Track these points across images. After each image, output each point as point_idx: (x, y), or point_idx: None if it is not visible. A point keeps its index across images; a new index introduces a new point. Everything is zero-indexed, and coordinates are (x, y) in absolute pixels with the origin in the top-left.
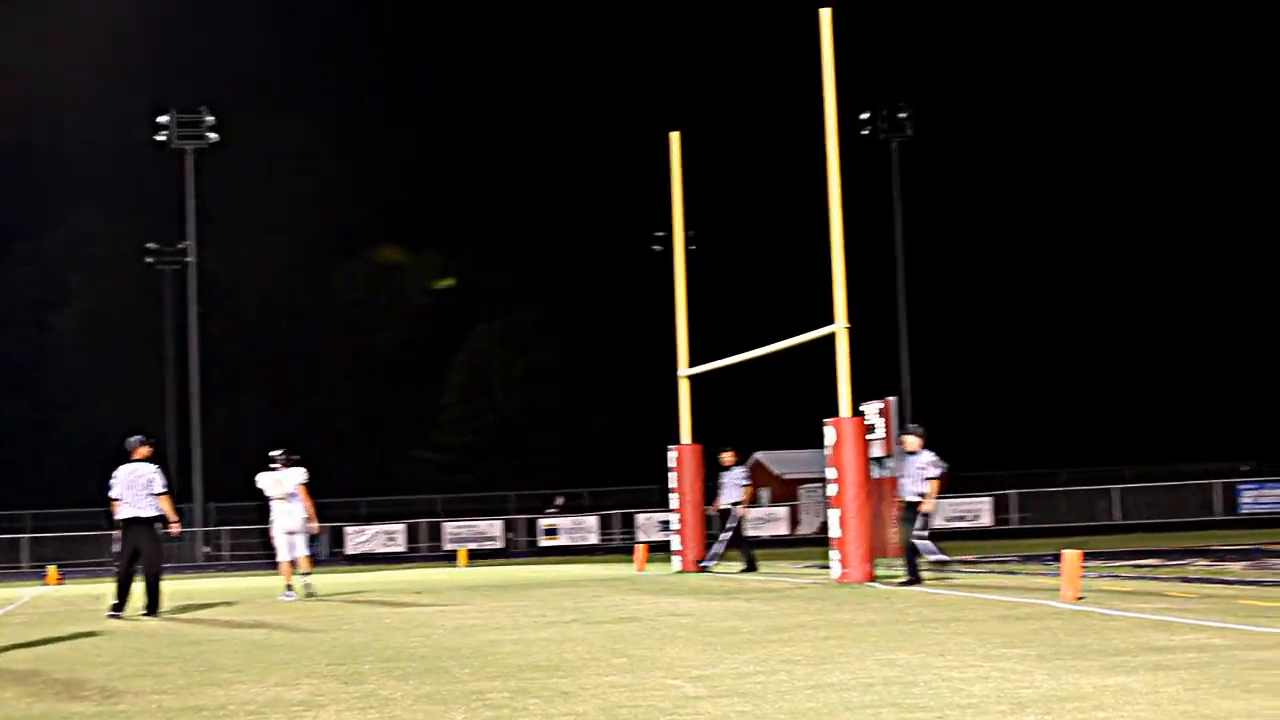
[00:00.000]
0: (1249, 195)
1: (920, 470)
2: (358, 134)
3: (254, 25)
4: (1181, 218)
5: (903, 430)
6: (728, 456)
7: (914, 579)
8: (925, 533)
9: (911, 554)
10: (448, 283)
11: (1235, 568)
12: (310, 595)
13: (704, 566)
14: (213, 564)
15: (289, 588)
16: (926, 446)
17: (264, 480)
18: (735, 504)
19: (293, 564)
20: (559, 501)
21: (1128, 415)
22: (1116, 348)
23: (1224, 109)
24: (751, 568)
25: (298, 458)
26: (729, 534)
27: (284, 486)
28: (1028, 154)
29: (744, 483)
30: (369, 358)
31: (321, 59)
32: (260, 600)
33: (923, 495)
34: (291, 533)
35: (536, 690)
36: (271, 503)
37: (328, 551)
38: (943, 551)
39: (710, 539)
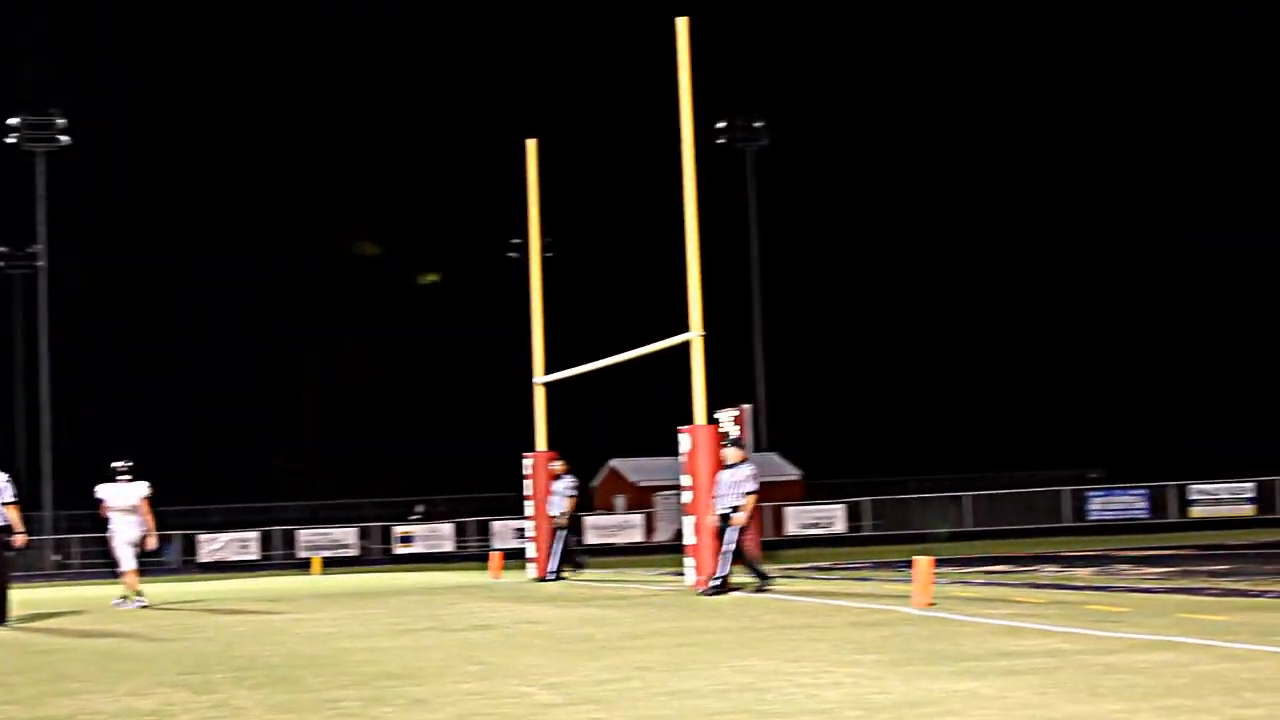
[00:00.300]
0: (1096, 206)
1: (737, 484)
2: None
3: None
4: (1032, 227)
5: (723, 443)
6: (558, 466)
7: (717, 581)
8: (733, 545)
9: (751, 561)
10: (432, 278)
11: (1083, 574)
12: (144, 606)
13: (554, 574)
14: (62, 572)
15: (130, 595)
16: (747, 460)
17: (107, 491)
18: (562, 514)
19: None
20: (420, 509)
21: (978, 424)
22: (968, 357)
23: (1073, 116)
24: (578, 566)
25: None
26: (560, 543)
27: (128, 499)
28: (880, 163)
29: (571, 494)
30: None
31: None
32: (110, 609)
33: (737, 508)
34: (133, 544)
35: (391, 698)
36: (112, 514)
37: (180, 560)
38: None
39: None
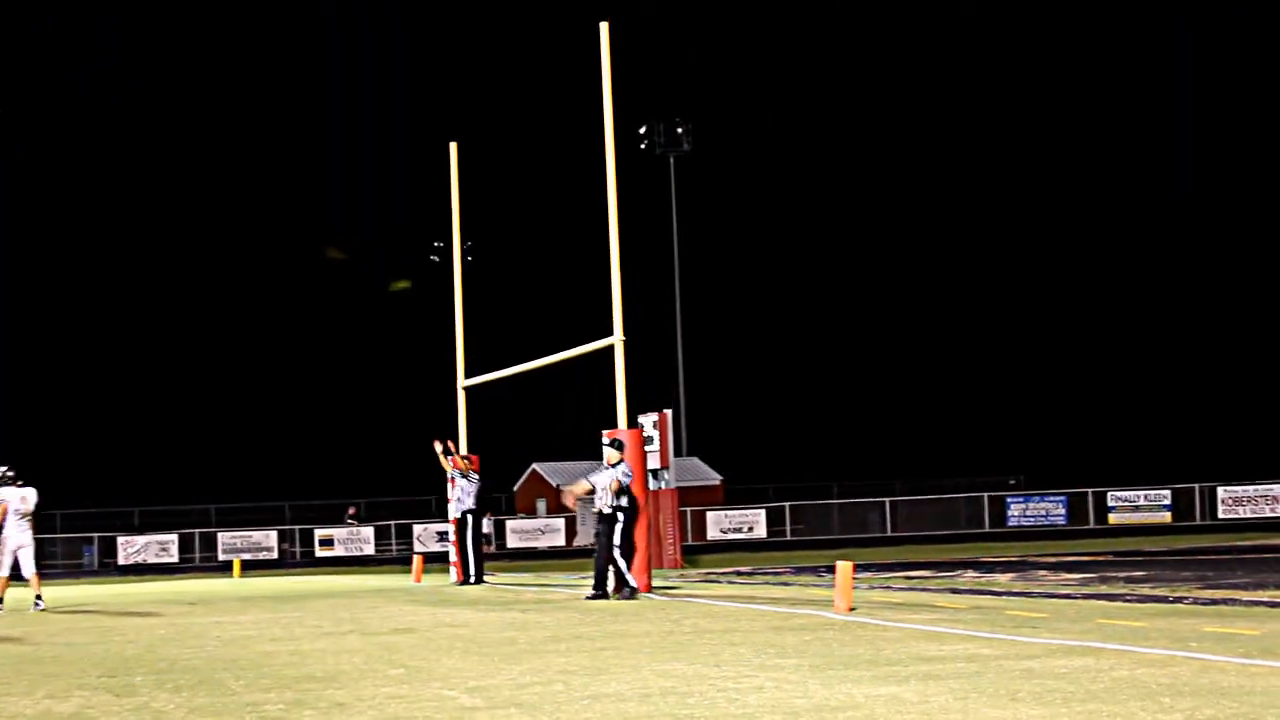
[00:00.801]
0: (1017, 210)
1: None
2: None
3: None
4: (953, 233)
5: (606, 444)
6: (462, 463)
7: (610, 589)
8: (617, 547)
9: (607, 565)
10: (403, 285)
11: (1003, 579)
12: (43, 610)
13: (477, 579)
14: None
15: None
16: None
17: (8, 494)
18: (468, 513)
19: (19, 579)
20: (352, 511)
21: (900, 430)
22: (887, 364)
23: (995, 126)
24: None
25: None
26: (471, 543)
27: (28, 504)
28: (802, 168)
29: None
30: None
31: None
32: (27, 612)
33: (620, 508)
34: (23, 548)
35: (313, 701)
36: (8, 518)
37: (98, 562)
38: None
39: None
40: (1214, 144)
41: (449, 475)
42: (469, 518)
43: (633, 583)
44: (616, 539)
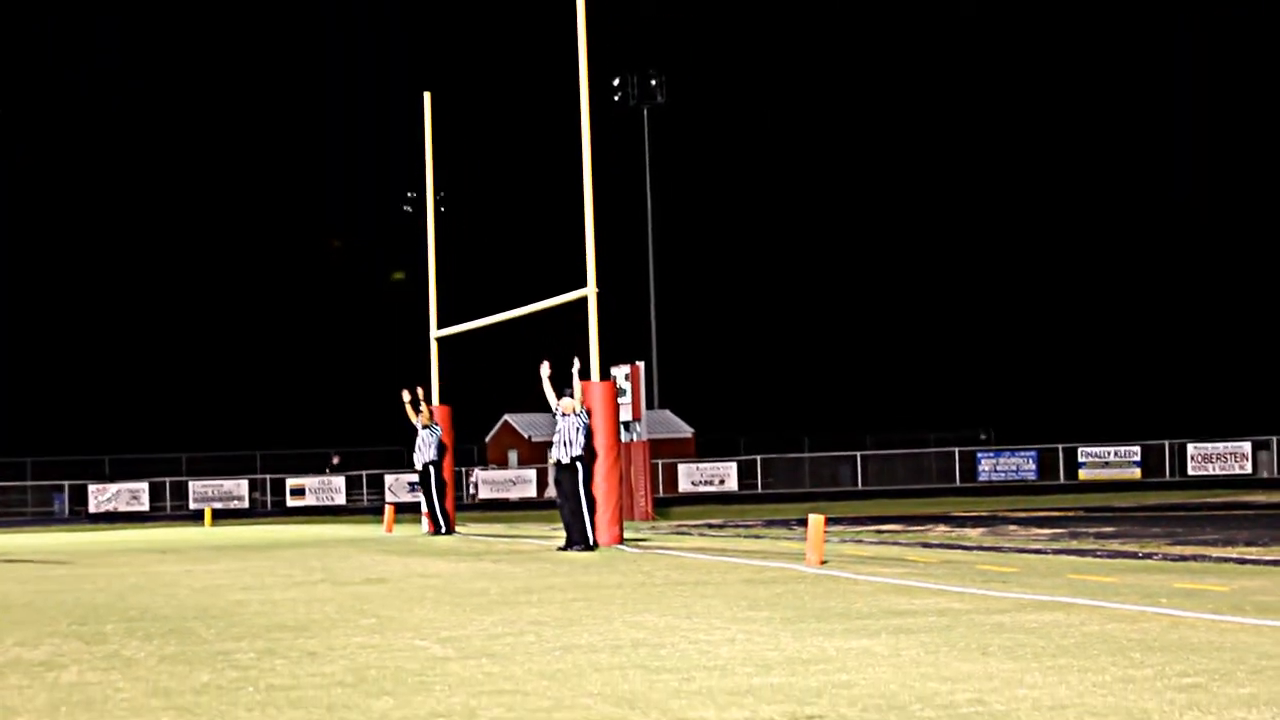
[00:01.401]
0: (983, 159)
1: (575, 433)
2: None
3: None
4: (925, 185)
5: (560, 394)
6: (425, 414)
7: (580, 541)
8: (586, 498)
9: (578, 517)
10: (399, 276)
11: (974, 534)
12: None
13: (447, 529)
14: None
15: None
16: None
17: None
18: (429, 464)
19: None
20: (335, 460)
21: (871, 384)
22: (859, 317)
23: (953, 71)
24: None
25: None
26: (434, 493)
27: None
28: (776, 122)
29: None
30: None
31: None
32: None
33: (579, 458)
34: None
35: (284, 651)
36: None
37: (68, 510)
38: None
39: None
40: (1205, 122)
41: (415, 427)
42: (430, 469)
43: (591, 537)
44: (582, 489)
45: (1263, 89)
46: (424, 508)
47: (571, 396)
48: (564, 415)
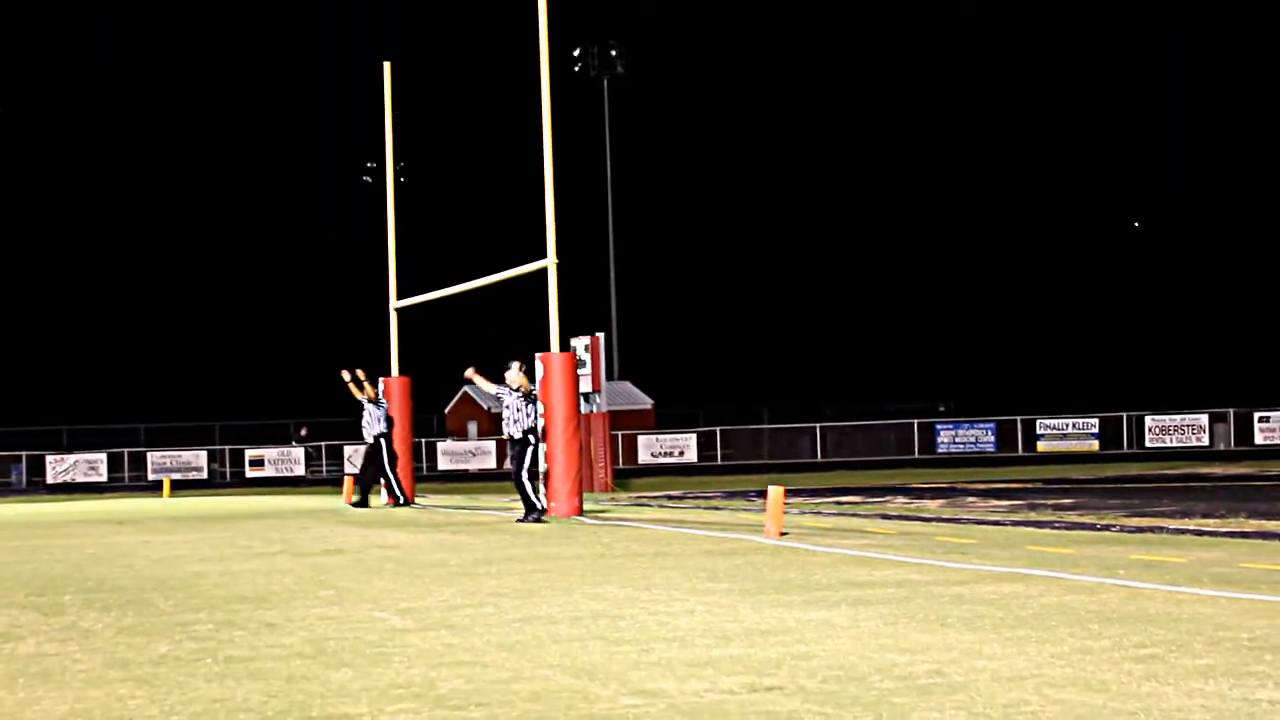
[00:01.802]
0: (944, 130)
1: (521, 409)
2: None
3: None
4: (883, 159)
5: (499, 380)
6: (369, 390)
7: (531, 511)
8: (525, 470)
9: (522, 488)
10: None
11: (932, 505)
12: None
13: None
14: None
15: None
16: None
17: None
18: (379, 436)
19: None
20: (303, 431)
21: (830, 355)
22: (818, 290)
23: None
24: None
25: None
26: (375, 466)
27: None
28: (735, 93)
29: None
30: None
31: None
32: None
33: (529, 431)
34: None
35: (242, 622)
36: None
37: (26, 481)
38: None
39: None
40: (1201, 105)
41: (362, 402)
42: (382, 441)
43: (541, 505)
44: (527, 462)
45: (1254, 75)
46: (384, 481)
47: (522, 371)
48: (512, 391)
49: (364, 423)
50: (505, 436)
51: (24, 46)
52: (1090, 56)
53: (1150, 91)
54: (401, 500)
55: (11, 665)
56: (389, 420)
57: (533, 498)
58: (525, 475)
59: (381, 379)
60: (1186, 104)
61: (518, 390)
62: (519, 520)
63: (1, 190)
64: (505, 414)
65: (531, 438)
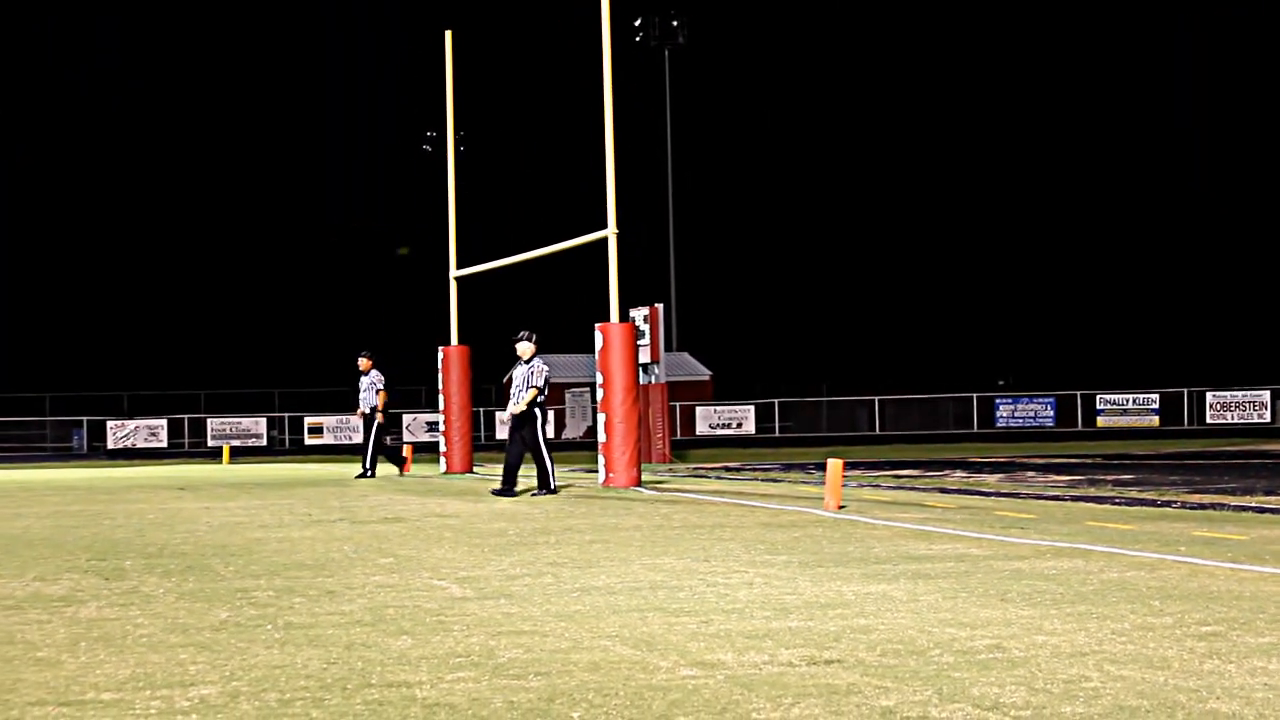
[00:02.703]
0: (1008, 115)
1: (528, 380)
2: None
3: None
4: (945, 134)
5: (516, 338)
6: (364, 362)
7: (543, 486)
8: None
9: (541, 461)
10: (404, 251)
11: (991, 480)
12: None
13: (361, 474)
14: None
15: None
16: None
17: None
18: (372, 409)
19: None
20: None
21: (891, 328)
22: (879, 262)
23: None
24: (368, 473)
25: None
26: (373, 438)
27: None
28: (798, 64)
29: (379, 387)
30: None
31: None
32: (20, 495)
33: (534, 404)
34: None
35: (302, 589)
36: None
37: (86, 445)
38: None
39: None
40: (1211, 79)
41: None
42: (373, 414)
43: (554, 484)
44: (540, 436)
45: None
46: (443, 446)
47: (530, 341)
48: (523, 363)
49: (361, 399)
50: (509, 412)
51: (24, 46)
52: (1159, 25)
53: (1214, 63)
54: (369, 474)
55: (73, 629)
56: (378, 392)
57: (550, 473)
58: (545, 448)
59: (441, 348)
60: (1249, 78)
61: (529, 363)
62: (533, 495)
63: (8, 196)
64: (512, 391)
65: (537, 411)
